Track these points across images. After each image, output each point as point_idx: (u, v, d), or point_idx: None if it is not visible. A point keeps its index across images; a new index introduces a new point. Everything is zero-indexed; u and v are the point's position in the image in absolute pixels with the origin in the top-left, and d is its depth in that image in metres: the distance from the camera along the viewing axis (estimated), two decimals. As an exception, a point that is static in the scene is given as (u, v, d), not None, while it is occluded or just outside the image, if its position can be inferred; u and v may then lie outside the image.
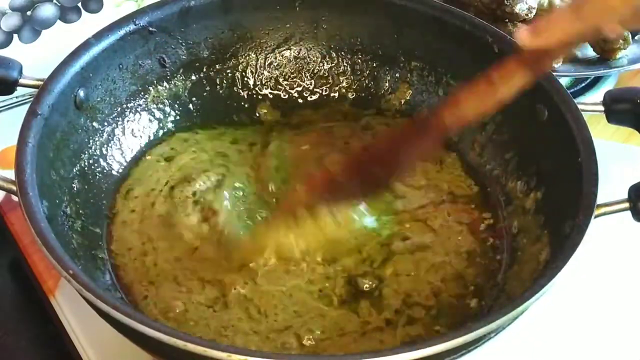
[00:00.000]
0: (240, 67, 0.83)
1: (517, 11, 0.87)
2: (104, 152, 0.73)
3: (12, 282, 0.78)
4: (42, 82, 0.67)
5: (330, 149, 0.76)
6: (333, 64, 0.84)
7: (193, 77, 0.81)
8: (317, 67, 0.85)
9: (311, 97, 0.84)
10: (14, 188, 0.59)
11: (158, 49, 0.77)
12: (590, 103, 0.70)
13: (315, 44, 0.84)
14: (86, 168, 0.71)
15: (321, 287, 0.65)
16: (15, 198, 0.60)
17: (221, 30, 0.81)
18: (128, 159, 0.75)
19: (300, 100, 0.84)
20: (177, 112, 0.80)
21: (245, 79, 0.83)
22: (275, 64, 0.84)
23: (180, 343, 0.49)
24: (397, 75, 0.83)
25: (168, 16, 0.76)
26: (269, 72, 0.84)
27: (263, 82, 0.84)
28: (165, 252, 0.68)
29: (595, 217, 0.59)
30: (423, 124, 0.61)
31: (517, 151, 0.74)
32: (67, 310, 0.70)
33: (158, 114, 0.79)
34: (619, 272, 0.74)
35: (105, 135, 0.74)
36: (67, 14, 0.92)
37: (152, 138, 0.78)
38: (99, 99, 0.73)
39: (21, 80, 0.68)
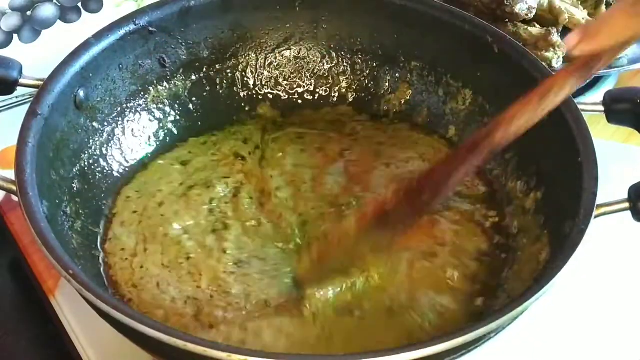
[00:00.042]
0: (240, 67, 0.83)
1: (517, 11, 0.87)
2: (104, 152, 0.73)
3: (12, 282, 0.78)
4: (42, 82, 0.67)
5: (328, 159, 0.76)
6: (333, 64, 0.84)
7: (193, 77, 0.81)
8: (317, 67, 0.85)
9: (311, 97, 0.84)
10: (14, 188, 0.59)
11: (158, 49, 0.77)
12: (590, 103, 0.70)
13: (315, 44, 0.84)
14: (86, 168, 0.71)
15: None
16: (15, 198, 0.60)
17: (221, 30, 0.81)
18: (133, 161, 0.75)
19: (300, 101, 0.84)
20: (177, 112, 0.80)
21: (245, 79, 0.83)
22: (275, 64, 0.84)
23: (180, 343, 0.49)
24: (397, 75, 0.83)
25: (168, 16, 0.76)
26: (269, 72, 0.84)
27: (263, 82, 0.84)
28: (156, 255, 0.67)
29: (595, 217, 0.59)
30: (474, 146, 0.59)
31: (517, 151, 0.74)
32: (67, 310, 0.70)
33: (158, 114, 0.79)
34: (619, 272, 0.74)
35: (105, 135, 0.74)
36: (67, 14, 0.92)
37: (164, 144, 0.78)
38: (99, 99, 0.73)
39: (21, 80, 0.68)
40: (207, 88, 0.82)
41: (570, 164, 0.63)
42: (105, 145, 0.73)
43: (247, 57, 0.83)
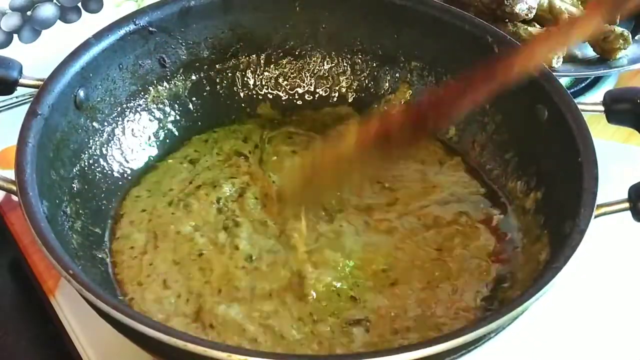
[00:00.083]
0: (240, 67, 0.83)
1: (517, 11, 0.87)
2: (104, 152, 0.73)
3: (12, 282, 0.78)
4: (42, 82, 0.67)
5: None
6: (333, 64, 0.84)
7: (193, 77, 0.81)
8: (317, 67, 0.85)
9: (311, 97, 0.84)
10: (14, 188, 0.59)
11: (158, 49, 0.77)
12: (590, 103, 0.70)
13: (315, 44, 0.84)
14: (86, 168, 0.71)
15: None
16: (15, 198, 0.60)
17: (221, 30, 0.81)
18: (134, 163, 0.76)
19: (300, 101, 0.84)
20: (177, 112, 0.80)
21: (245, 79, 0.83)
22: (275, 64, 0.84)
23: (180, 343, 0.49)
24: (397, 75, 0.83)
25: (168, 16, 0.76)
26: (269, 72, 0.84)
27: (263, 82, 0.84)
28: (167, 252, 0.68)
29: (595, 217, 0.59)
30: (489, 73, 0.58)
31: (517, 151, 0.74)
32: (67, 310, 0.70)
33: (158, 114, 0.79)
34: (619, 272, 0.74)
35: (105, 135, 0.74)
36: (67, 14, 0.92)
37: (168, 141, 0.78)
38: (99, 99, 0.73)
39: (21, 80, 0.68)
40: (207, 88, 0.82)
41: (570, 164, 0.63)
42: (105, 145, 0.73)
43: (247, 57, 0.83)
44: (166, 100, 0.79)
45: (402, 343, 0.61)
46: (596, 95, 0.90)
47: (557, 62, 0.86)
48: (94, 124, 0.72)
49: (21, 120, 0.63)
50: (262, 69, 0.84)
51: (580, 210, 0.59)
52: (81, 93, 0.70)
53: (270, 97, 0.84)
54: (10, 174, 0.60)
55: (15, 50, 0.89)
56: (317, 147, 0.70)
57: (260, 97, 0.84)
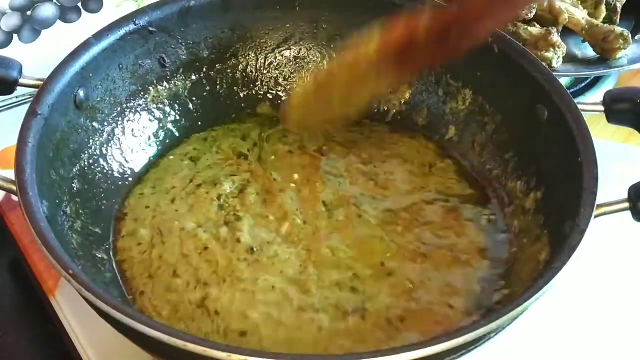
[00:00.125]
0: (240, 67, 0.83)
1: (517, 11, 0.87)
2: (104, 152, 0.73)
3: (12, 282, 0.78)
4: (42, 82, 0.67)
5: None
6: (333, 64, 0.84)
7: (193, 77, 0.81)
8: (317, 67, 0.84)
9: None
10: (14, 188, 0.59)
11: (158, 49, 0.77)
12: (590, 103, 0.70)
13: (315, 44, 0.84)
14: (86, 168, 0.71)
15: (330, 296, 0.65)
16: (15, 198, 0.60)
17: (221, 30, 0.81)
18: (134, 163, 0.76)
19: (300, 100, 0.84)
20: (177, 112, 0.80)
21: (245, 79, 0.83)
22: (275, 64, 0.84)
23: (180, 343, 0.49)
24: (397, 75, 0.83)
25: (168, 16, 0.76)
26: (269, 72, 0.84)
27: (263, 82, 0.84)
28: (174, 247, 0.69)
29: (595, 217, 0.59)
30: None
31: (517, 151, 0.74)
32: (67, 310, 0.70)
33: (158, 114, 0.79)
34: (619, 272, 0.74)
35: (105, 135, 0.74)
36: (67, 14, 0.92)
37: (168, 141, 0.79)
38: (99, 99, 0.73)
39: (21, 80, 0.68)
40: (207, 88, 0.82)
41: (570, 164, 0.63)
42: (105, 145, 0.74)
43: (247, 57, 0.83)
44: (166, 100, 0.79)
45: (396, 329, 0.63)
46: (596, 95, 0.90)
47: (557, 62, 0.86)
48: (94, 124, 0.72)
49: (21, 120, 0.63)
50: (262, 69, 0.84)
51: (580, 210, 0.59)
52: (81, 93, 0.70)
53: (270, 96, 0.84)
54: (10, 174, 0.60)
55: (15, 50, 0.89)
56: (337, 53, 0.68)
57: (260, 97, 0.84)
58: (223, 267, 0.67)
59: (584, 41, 0.92)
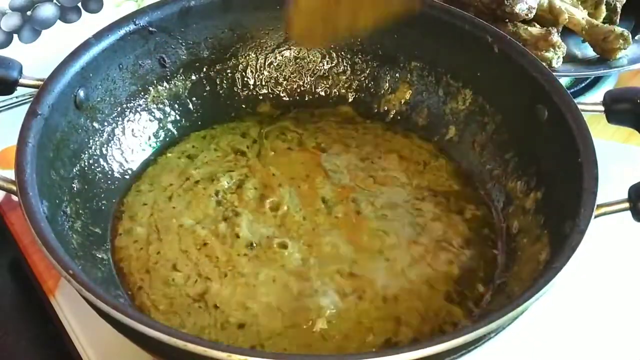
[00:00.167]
0: (240, 67, 0.83)
1: (517, 11, 0.87)
2: (104, 152, 0.73)
3: (12, 282, 0.78)
4: (42, 82, 0.67)
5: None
6: (333, 64, 0.84)
7: (193, 77, 0.81)
8: (317, 67, 0.85)
9: (311, 97, 0.84)
10: (14, 188, 0.59)
11: (158, 49, 0.77)
12: (590, 103, 0.70)
13: (315, 44, 0.84)
14: (86, 168, 0.71)
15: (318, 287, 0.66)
16: (15, 198, 0.60)
17: (221, 30, 0.81)
18: (134, 163, 0.76)
19: (300, 101, 0.84)
20: (177, 112, 0.80)
21: (245, 79, 0.83)
22: (275, 64, 0.84)
23: (180, 343, 0.49)
24: (397, 75, 0.83)
25: (168, 16, 0.76)
26: (269, 72, 0.84)
27: (263, 82, 0.84)
28: (173, 243, 0.69)
29: (595, 217, 0.59)
30: None
31: (517, 151, 0.74)
32: (67, 310, 0.70)
33: (158, 114, 0.79)
34: (619, 272, 0.74)
35: (105, 135, 0.74)
36: (67, 14, 0.92)
37: (168, 140, 0.79)
38: (99, 99, 0.73)
39: (21, 80, 0.68)
40: (207, 88, 0.82)
41: (570, 164, 0.63)
42: (105, 145, 0.74)
43: (247, 57, 0.83)
44: (166, 100, 0.79)
45: (390, 306, 0.65)
46: (596, 95, 0.90)
47: (557, 62, 0.86)
48: (94, 124, 0.72)
49: (21, 120, 0.63)
50: (262, 69, 0.84)
51: (580, 210, 0.59)
52: (81, 93, 0.70)
53: (270, 96, 0.84)
54: (10, 174, 0.60)
55: (15, 50, 0.89)
56: None
57: (260, 97, 0.84)
58: (223, 262, 0.67)
59: (584, 41, 0.92)
